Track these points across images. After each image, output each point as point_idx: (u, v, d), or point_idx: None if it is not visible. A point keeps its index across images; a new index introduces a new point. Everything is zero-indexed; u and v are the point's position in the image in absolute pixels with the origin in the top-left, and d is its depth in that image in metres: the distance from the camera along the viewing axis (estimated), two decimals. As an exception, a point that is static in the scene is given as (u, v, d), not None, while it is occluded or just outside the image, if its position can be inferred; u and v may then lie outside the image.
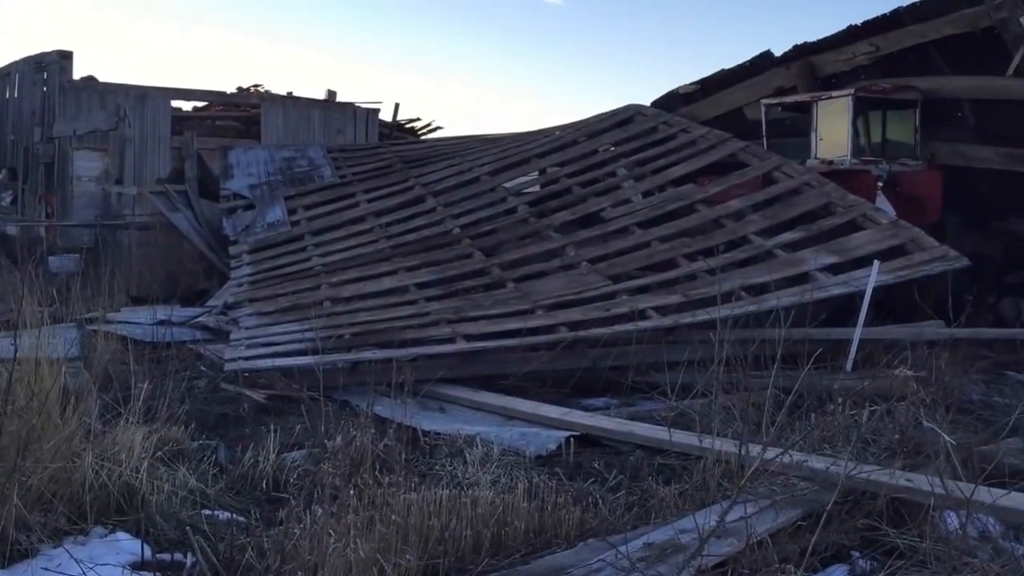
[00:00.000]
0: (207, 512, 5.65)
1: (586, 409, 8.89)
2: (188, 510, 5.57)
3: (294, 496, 5.72)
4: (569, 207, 14.60)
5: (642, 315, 10.38)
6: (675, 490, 6.01)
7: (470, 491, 5.47)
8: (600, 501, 5.77)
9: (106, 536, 5.20)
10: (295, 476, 6.34)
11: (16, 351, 5.51)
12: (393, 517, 4.73)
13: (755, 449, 5.32)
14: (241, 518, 5.69)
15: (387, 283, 12.76)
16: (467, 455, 6.86)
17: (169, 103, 24.70)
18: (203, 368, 9.91)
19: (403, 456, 6.85)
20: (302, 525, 4.93)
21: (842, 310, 10.93)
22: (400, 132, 28.61)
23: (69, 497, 5.26)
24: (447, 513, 5.07)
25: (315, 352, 9.43)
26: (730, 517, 4.85)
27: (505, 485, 5.95)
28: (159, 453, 6.08)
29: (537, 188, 16.38)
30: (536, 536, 5.23)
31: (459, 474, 6.42)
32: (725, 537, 4.73)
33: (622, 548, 4.67)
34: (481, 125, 78.37)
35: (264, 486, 6.28)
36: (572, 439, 7.39)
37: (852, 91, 14.38)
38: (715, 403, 6.78)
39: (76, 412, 5.83)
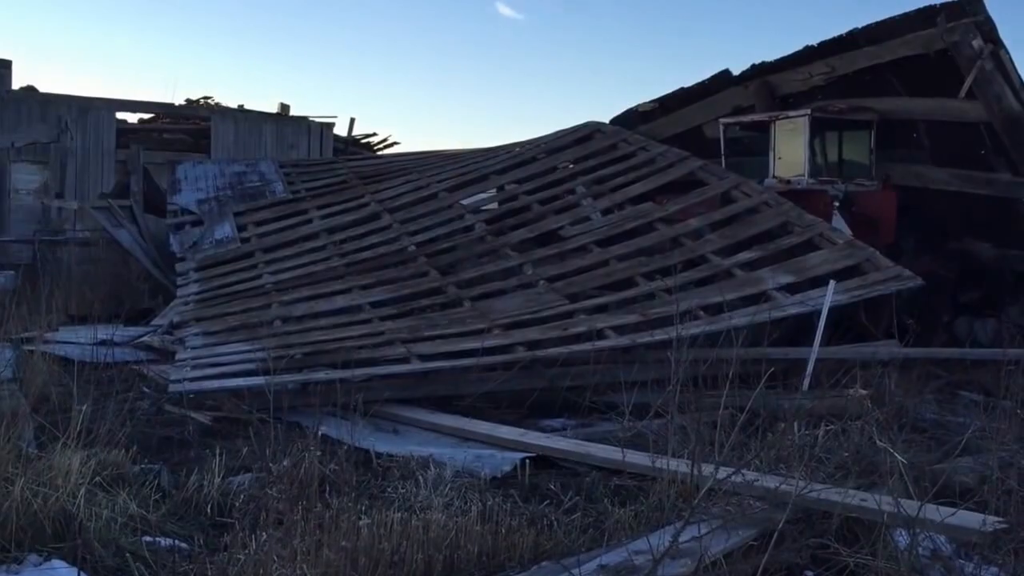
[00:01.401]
0: (148, 538, 5.56)
1: (543, 430, 8.91)
2: (128, 537, 5.48)
3: (239, 521, 5.66)
4: (527, 224, 14.63)
5: (600, 335, 10.41)
6: (631, 511, 6.03)
7: (422, 514, 5.45)
8: (555, 523, 5.76)
9: (41, 564, 5.09)
10: (240, 500, 6.26)
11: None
12: (342, 542, 4.68)
13: (708, 469, 5.35)
14: (184, 544, 5.61)
15: (340, 302, 12.69)
16: (420, 477, 6.82)
17: (114, 115, 24.31)
18: (146, 389, 9.79)
19: (353, 478, 6.81)
20: (247, 551, 4.86)
21: (798, 329, 11.06)
22: (356, 147, 28.49)
23: (0, 524, 5.15)
24: (398, 537, 5.03)
25: (264, 372, 9.37)
26: (684, 538, 4.87)
27: (459, 508, 5.93)
28: (98, 478, 5.98)
29: (495, 205, 16.40)
30: (490, 559, 5.21)
31: (411, 497, 6.37)
32: (679, 558, 4.75)
33: (576, 571, 4.66)
34: (439, 141, 78.40)
35: (208, 511, 6.20)
36: (528, 461, 7.39)
37: (808, 111, 14.63)
38: (671, 423, 6.79)
39: (9, 436, 5.72)
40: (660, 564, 4.50)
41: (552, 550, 5.35)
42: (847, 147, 15.12)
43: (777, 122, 15.06)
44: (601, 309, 11.51)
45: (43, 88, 24.31)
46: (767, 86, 16.39)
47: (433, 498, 6.30)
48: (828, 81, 15.63)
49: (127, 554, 5.15)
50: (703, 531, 4.83)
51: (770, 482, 5.96)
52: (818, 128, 14.66)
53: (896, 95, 15.05)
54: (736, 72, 17.06)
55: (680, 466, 6.32)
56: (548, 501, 6.49)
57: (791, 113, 15.03)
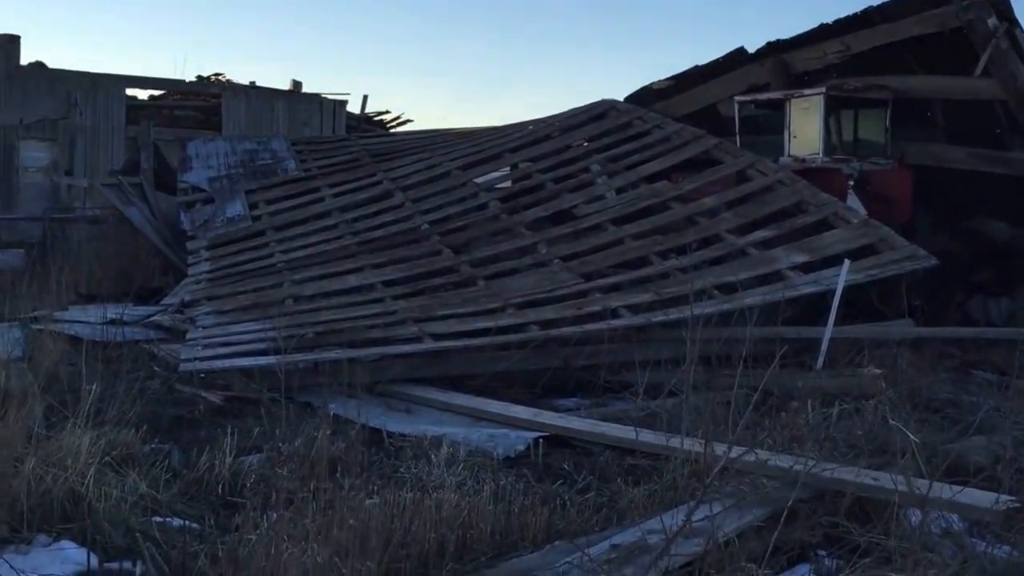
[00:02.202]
0: (158, 519, 5.55)
1: (557, 409, 8.88)
2: (138, 517, 5.47)
3: (250, 501, 5.65)
4: (541, 203, 14.57)
5: (614, 314, 10.38)
6: (644, 491, 6.00)
7: (434, 494, 5.42)
8: (568, 503, 5.73)
9: (50, 544, 5.09)
10: (252, 480, 6.25)
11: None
12: (351, 521, 4.66)
13: (721, 448, 5.33)
14: (195, 524, 5.61)
15: (352, 281, 12.68)
16: (432, 457, 6.81)
17: (124, 91, 24.27)
18: (157, 369, 9.78)
19: (365, 458, 6.80)
20: (258, 531, 4.85)
21: (812, 309, 11.00)
22: (368, 125, 28.40)
23: (9, 504, 5.14)
24: (410, 516, 5.01)
25: (276, 352, 9.38)
26: (697, 517, 4.85)
27: (471, 487, 5.91)
28: (108, 458, 5.97)
29: (509, 184, 16.35)
30: (502, 539, 5.19)
31: (424, 476, 6.36)
32: (692, 537, 4.72)
33: (588, 550, 4.64)
34: (452, 119, 78.29)
35: (220, 491, 6.19)
36: (541, 440, 7.36)
37: (823, 89, 14.52)
38: (685, 403, 6.76)
39: (19, 415, 5.72)
40: (673, 543, 4.46)
41: (565, 530, 5.33)
42: (862, 125, 15.01)
43: (792, 100, 14.96)
44: (615, 288, 11.46)
45: (52, 64, 24.28)
46: (782, 64, 16.29)
47: (446, 477, 6.29)
48: (843, 59, 15.53)
49: (137, 534, 5.14)
50: (715, 510, 4.79)
51: (783, 461, 5.93)
52: (833, 106, 14.55)
53: (911, 73, 14.94)
54: (751, 50, 16.95)
55: (693, 445, 6.28)
56: (561, 481, 6.47)
57: (806, 91, 14.92)
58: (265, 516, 5.16)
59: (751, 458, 5.46)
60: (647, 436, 6.72)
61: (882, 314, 11.33)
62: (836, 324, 10.11)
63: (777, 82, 16.23)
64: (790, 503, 4.86)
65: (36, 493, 5.27)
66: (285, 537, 4.71)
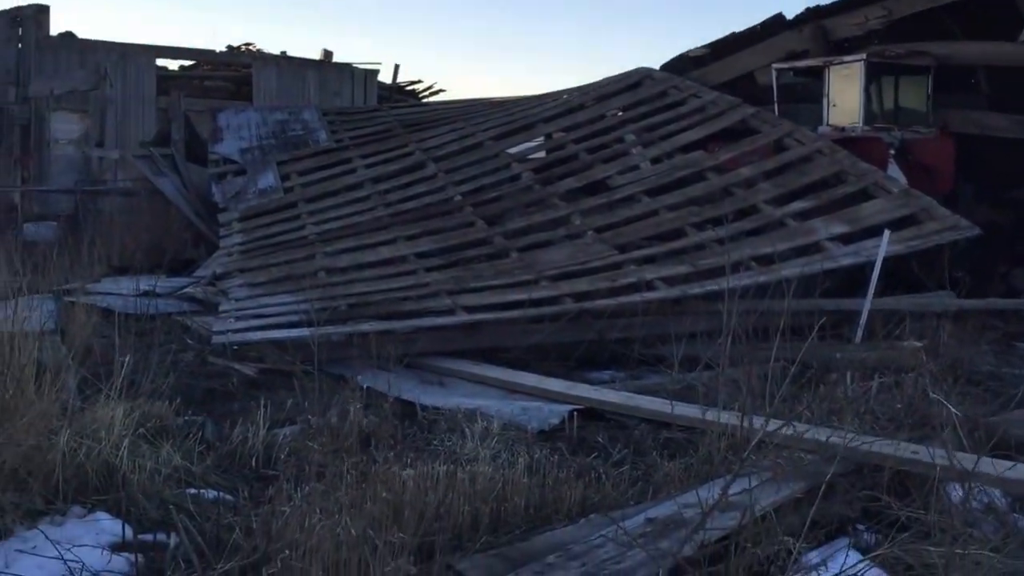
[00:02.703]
0: (192, 490, 5.60)
1: (591, 382, 8.86)
2: (172, 489, 5.52)
3: (283, 474, 5.69)
4: (575, 174, 14.51)
5: (649, 286, 10.33)
6: (680, 464, 5.99)
7: (468, 467, 5.43)
8: (603, 476, 5.72)
9: (85, 516, 5.13)
10: (286, 453, 6.30)
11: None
12: (383, 494, 4.68)
13: (759, 421, 5.30)
14: (228, 497, 5.65)
15: (385, 252, 12.70)
16: (466, 430, 6.82)
17: (154, 62, 24.35)
18: (190, 341, 9.87)
19: (398, 431, 6.83)
20: (291, 503, 4.88)
21: (850, 281, 10.90)
22: (400, 95, 28.38)
23: (44, 476, 5.20)
24: (443, 489, 5.03)
25: (308, 324, 9.42)
26: (733, 490, 4.83)
27: (506, 460, 5.92)
28: (141, 430, 6.03)
29: (542, 154, 16.30)
30: (536, 512, 5.18)
31: (457, 449, 6.38)
32: (728, 511, 4.69)
33: (623, 524, 4.64)
34: (484, 89, 77.97)
35: (253, 463, 6.23)
36: (576, 413, 7.35)
37: (864, 56, 14.32)
38: (721, 376, 6.73)
39: (52, 387, 5.78)
40: (709, 516, 4.45)
41: (600, 503, 5.32)
42: (903, 93, 14.82)
43: (831, 67, 14.77)
44: (650, 260, 11.41)
45: (81, 34, 24.38)
46: (821, 30, 16.09)
47: (480, 451, 6.31)
48: (885, 25, 15.31)
49: (170, 506, 5.20)
50: (753, 484, 4.77)
51: (821, 434, 5.89)
52: (874, 73, 14.37)
53: (954, 39, 14.69)
54: (790, 16, 16.75)
55: (730, 419, 6.26)
56: (596, 454, 6.46)
57: (846, 58, 14.74)
58: (299, 489, 5.18)
59: (788, 431, 5.41)
60: (683, 409, 6.69)
61: (922, 286, 11.23)
62: (876, 296, 10.02)
63: (816, 49, 16.04)
64: (828, 477, 4.82)
65: (71, 465, 5.32)
66: (318, 510, 4.73)
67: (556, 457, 6.14)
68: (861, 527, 5.12)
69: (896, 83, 14.79)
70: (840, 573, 4.14)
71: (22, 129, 22.53)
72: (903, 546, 4.38)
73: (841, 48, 15.83)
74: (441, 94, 29.08)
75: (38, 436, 5.21)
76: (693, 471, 5.83)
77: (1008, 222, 13.29)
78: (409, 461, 5.70)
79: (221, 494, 5.64)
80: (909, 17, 15.07)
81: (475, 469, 5.34)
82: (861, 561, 4.26)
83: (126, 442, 5.59)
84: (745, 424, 5.69)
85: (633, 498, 5.50)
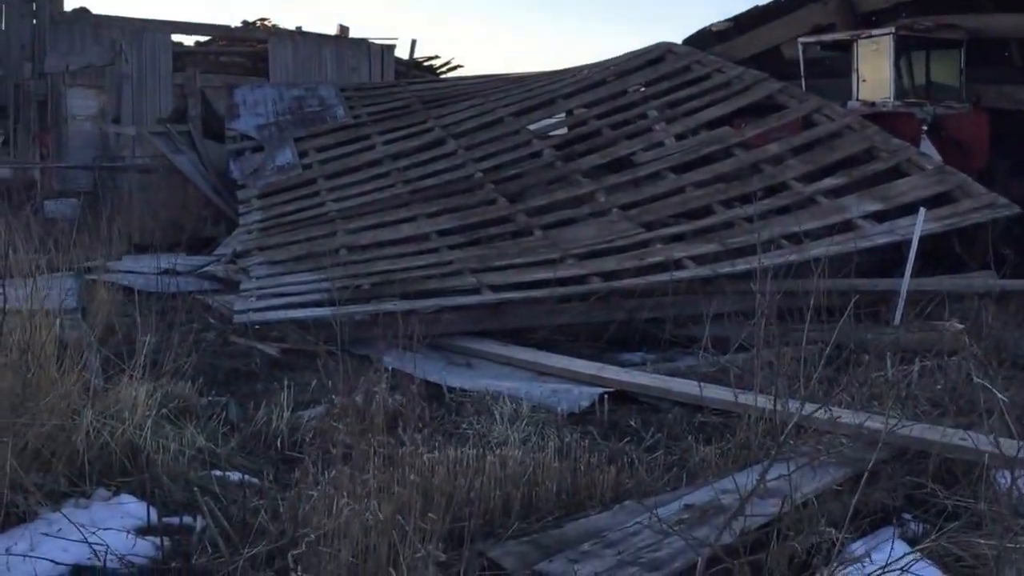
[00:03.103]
0: (217, 472, 5.55)
1: (622, 364, 8.77)
2: (196, 470, 5.47)
3: (309, 456, 5.62)
4: (598, 151, 14.34)
5: (678, 265, 10.21)
6: (716, 449, 5.89)
7: (498, 450, 5.34)
8: (637, 461, 5.63)
9: (109, 499, 5.10)
10: (311, 435, 6.23)
11: (5, 301, 5.39)
12: (412, 477, 4.60)
13: (796, 405, 5.19)
14: (254, 479, 5.60)
15: (406, 230, 12.61)
16: (495, 412, 6.74)
17: (169, 37, 24.29)
18: (211, 320, 9.81)
19: (426, 413, 6.75)
20: (318, 486, 4.81)
21: (882, 261, 10.74)
22: (417, 71, 28.24)
23: (68, 457, 5.16)
24: (473, 473, 4.95)
25: (331, 303, 9.36)
26: (772, 476, 4.73)
27: (536, 444, 5.83)
28: (164, 410, 5.99)
29: (564, 131, 16.15)
30: (569, 498, 5.11)
31: (487, 432, 6.30)
32: (768, 498, 4.59)
33: (659, 511, 4.55)
34: (501, 65, 77.50)
35: (278, 445, 6.18)
36: (607, 396, 7.24)
37: (893, 29, 14.07)
38: (757, 358, 6.62)
39: (75, 367, 5.73)
40: (748, 503, 4.35)
41: (634, 489, 5.24)
42: (935, 67, 14.53)
43: (860, 41, 14.50)
44: (678, 238, 11.28)
45: (96, 9, 24.36)
46: (848, 3, 15.86)
47: (509, 434, 6.23)
48: (913, -3, 15.04)
49: (195, 488, 5.14)
50: (792, 470, 4.66)
51: (862, 419, 5.78)
52: (904, 47, 14.11)
53: (987, 11, 14.42)
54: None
55: (766, 402, 6.15)
56: (628, 438, 6.37)
57: (875, 32, 14.48)
58: (325, 472, 5.11)
59: (826, 415, 5.28)
60: (718, 392, 6.59)
61: (962, 265, 11.06)
62: (913, 276, 9.86)
63: (843, 22, 15.80)
64: (872, 463, 4.71)
65: (95, 446, 5.27)
66: (345, 494, 4.66)
67: (587, 441, 6.04)
68: (907, 516, 5.01)
69: (927, 57, 14.52)
70: (886, 565, 4.02)
71: (39, 105, 22.52)
72: (953, 536, 4.27)
73: (869, 21, 15.58)
74: (458, 70, 28.96)
75: (61, 416, 5.15)
76: (730, 456, 5.73)
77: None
78: (437, 444, 5.62)
79: (246, 477, 5.59)
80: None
81: (505, 453, 5.24)
82: (908, 553, 4.16)
83: (149, 422, 5.53)
84: (781, 408, 5.57)
85: (668, 484, 5.42)
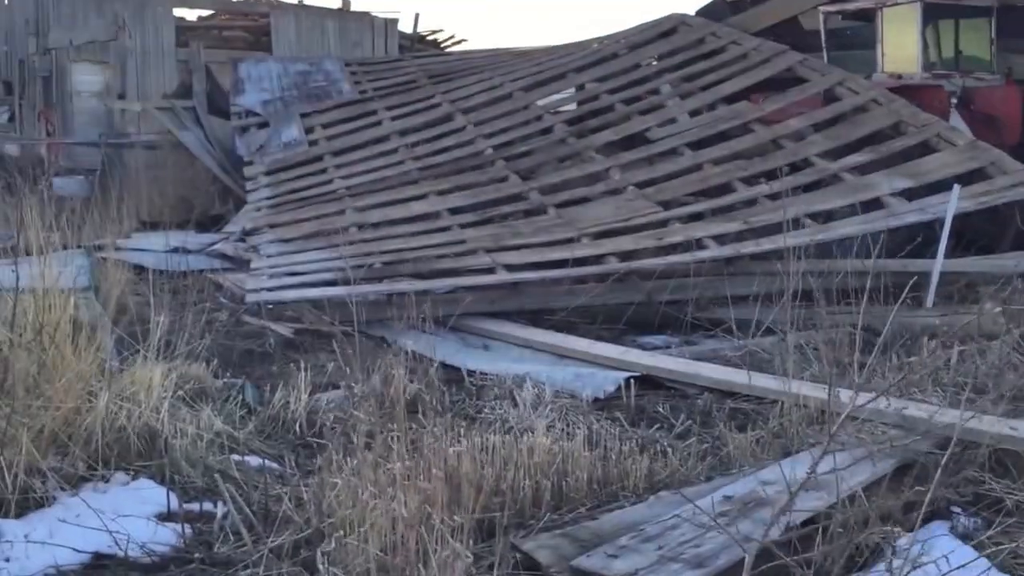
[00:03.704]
0: (236, 457, 5.44)
1: (643, 347, 8.62)
2: (215, 455, 5.36)
3: (331, 442, 5.50)
4: (611, 126, 14.14)
5: (699, 245, 10.06)
6: (750, 437, 5.76)
7: (525, 437, 5.19)
8: (670, 450, 5.48)
9: (128, 483, 5.00)
10: (331, 419, 6.12)
11: (18, 278, 5.27)
12: (435, 471, 4.46)
13: (843, 393, 5.06)
14: (274, 464, 5.49)
15: (417, 208, 12.46)
16: (517, 397, 6.61)
17: (171, 11, 24.16)
18: (223, 300, 9.69)
19: (447, 398, 6.63)
20: (342, 474, 4.68)
21: (909, 239, 10.53)
22: (421, 45, 28.05)
23: (85, 440, 5.04)
24: (502, 462, 4.81)
25: (345, 282, 9.24)
26: (820, 468, 4.60)
27: (562, 431, 5.70)
28: (180, 392, 5.87)
29: (574, 106, 15.93)
30: (600, 488, 4.98)
31: (511, 418, 6.17)
32: (814, 490, 4.45)
33: (699, 502, 4.42)
34: (504, 40, 76.87)
35: (297, 429, 6.06)
36: (633, 380, 7.09)
37: None
38: (789, 342, 6.48)
39: (90, 347, 5.62)
40: (796, 496, 4.21)
41: (668, 479, 5.10)
42: (964, 37, 14.17)
43: (885, 9, 14.18)
44: (697, 217, 11.11)
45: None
46: (873, -31, 15.48)
47: (534, 419, 6.10)
48: (944, -39, 14.68)
49: (216, 475, 5.03)
50: (844, 461, 4.52)
51: (915, 409, 5.61)
52: (932, 16, 13.78)
53: None
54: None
55: (805, 388, 6.02)
56: (658, 425, 6.23)
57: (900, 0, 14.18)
58: (347, 459, 4.99)
59: (887, 406, 5.13)
60: (757, 378, 6.44)
61: (988, 245, 10.89)
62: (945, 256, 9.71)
63: (868, -11, 15.45)
64: (922, 456, 4.58)
65: (112, 429, 5.16)
66: (369, 484, 4.54)
67: (616, 428, 5.90)
68: (959, 511, 4.86)
69: (956, 26, 14.19)
70: (942, 562, 3.89)
71: (44, 81, 22.35)
72: (1011, 532, 4.14)
73: (896, -13, 15.22)
74: (463, 44, 28.78)
75: (77, 399, 5.03)
76: (766, 445, 5.59)
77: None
78: (462, 432, 5.47)
79: (266, 462, 5.48)
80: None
81: (533, 440, 5.10)
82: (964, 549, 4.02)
83: (166, 405, 5.41)
84: (826, 395, 5.44)
85: (703, 473, 5.28)
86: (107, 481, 4.99)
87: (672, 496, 4.77)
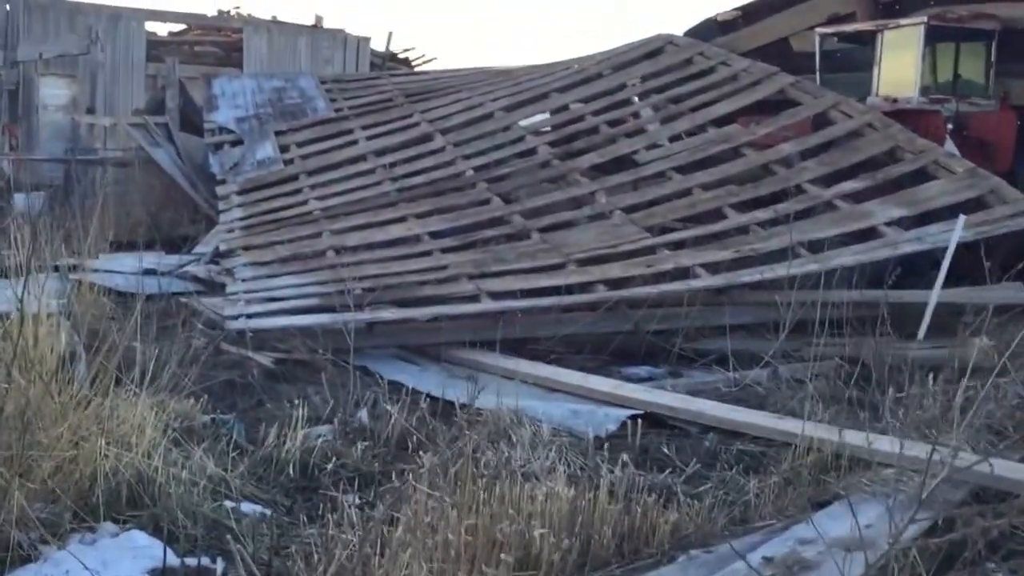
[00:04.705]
0: (230, 503, 5.20)
1: (629, 378, 8.50)
2: (209, 501, 5.11)
3: (330, 488, 5.29)
4: (597, 149, 13.99)
5: (690, 273, 9.93)
6: (764, 483, 5.57)
7: (544, 487, 4.93)
8: (691, 501, 5.22)
9: (118, 534, 4.74)
10: (325, 458, 5.91)
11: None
12: (451, 537, 4.22)
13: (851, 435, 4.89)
14: (270, 511, 5.26)
15: (396, 231, 12.26)
16: (514, 435, 6.41)
17: (143, 26, 23.89)
18: (200, 326, 9.40)
19: (443, 436, 6.42)
20: (355, 531, 4.44)
21: (903, 270, 10.44)
22: (393, 63, 27.93)
23: (76, 489, 4.78)
24: (523, 517, 4.56)
25: (325, 308, 9.03)
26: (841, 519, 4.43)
27: (582, 476, 5.47)
28: (170, 431, 5.62)
29: (555, 126, 15.74)
30: (623, 543, 4.75)
31: (513, 459, 5.95)
32: (854, 550, 4.24)
33: (736, 565, 4.21)
34: (478, 58, 76.60)
35: (291, 471, 5.83)
36: (637, 419, 6.85)
37: (925, 19, 13.63)
38: (787, 378, 6.31)
39: (68, 381, 5.36)
40: (833, 555, 4.05)
41: (694, 534, 4.88)
42: (963, 61, 14.05)
43: (886, 32, 14.06)
44: (687, 244, 10.98)
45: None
46: (872, -10, 15.45)
47: (536, 462, 5.90)
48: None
49: (214, 524, 4.80)
50: (872, 513, 4.36)
51: (919, 450, 5.44)
52: (934, 38, 13.65)
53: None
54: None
55: (819, 431, 5.87)
56: (669, 469, 6.01)
57: (903, 21, 14.03)
58: (353, 510, 4.78)
59: (897, 448, 4.96)
60: (761, 417, 6.29)
61: (976, 276, 10.81)
62: (926, 288, 9.65)
63: (864, 11, 15.37)
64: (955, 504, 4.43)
65: (101, 475, 4.89)
66: (380, 543, 4.32)
67: (636, 475, 5.65)
68: (992, 565, 4.71)
69: (956, 50, 14.07)
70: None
71: (10, 94, 21.93)
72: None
73: (890, 11, 15.16)
74: (434, 62, 28.71)
75: (68, 446, 4.77)
76: (784, 495, 5.40)
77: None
78: (484, 484, 5.17)
79: (263, 509, 5.24)
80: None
81: (553, 490, 4.85)
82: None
83: (160, 449, 5.16)
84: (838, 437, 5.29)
85: (726, 528, 5.06)
86: (95, 531, 4.73)
87: (705, 555, 4.58)
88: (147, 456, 5.11)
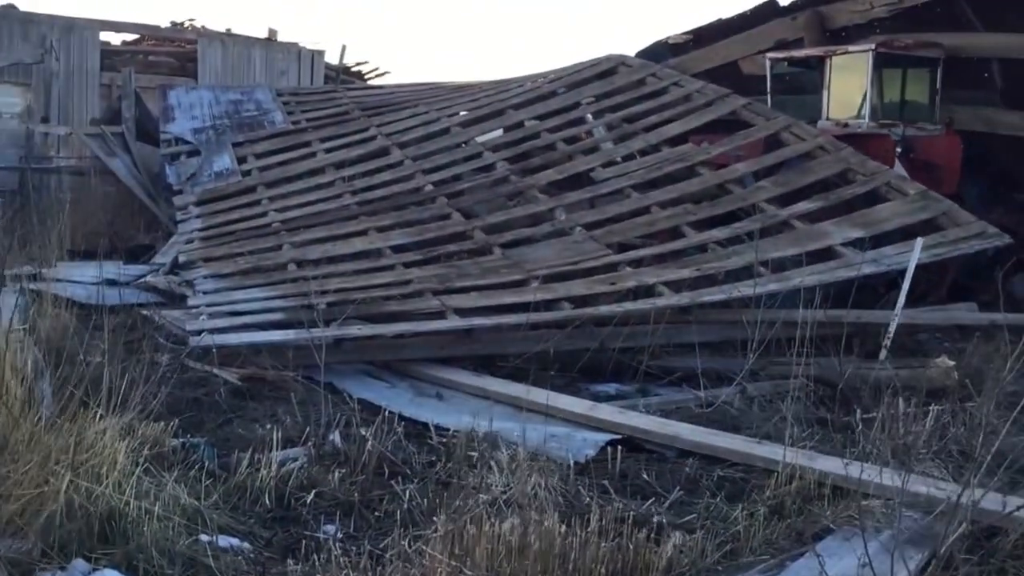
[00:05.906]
0: (205, 537, 4.84)
1: (596, 395, 8.26)
2: (184, 536, 4.74)
3: (310, 517, 4.96)
4: (554, 165, 13.77)
5: (652, 291, 9.73)
6: (752, 512, 5.33)
7: (532, 519, 4.65)
8: (680, 534, 4.94)
9: (90, 574, 4.37)
10: (301, 486, 5.57)
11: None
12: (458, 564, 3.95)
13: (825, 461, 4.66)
14: (246, 545, 4.91)
15: (358, 244, 11.94)
16: (492, 462, 6.11)
17: (98, 35, 23.23)
18: (162, 340, 8.98)
19: (417, 461, 6.12)
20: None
21: (857, 291, 10.34)
22: (347, 76, 27.52)
23: (44, 525, 4.40)
24: (515, 554, 4.28)
25: (291, 324, 8.70)
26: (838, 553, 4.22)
27: (557, 504, 5.21)
28: (140, 458, 5.24)
29: (511, 142, 15.49)
30: (616, 579, 4.47)
31: (493, 484, 5.66)
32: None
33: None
34: (429, 72, 76.07)
35: (267, 499, 5.47)
36: (617, 444, 6.55)
37: (873, 46, 13.67)
38: (783, 403, 6.13)
39: (31, 404, 4.98)
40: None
41: (688, 572, 4.61)
42: (910, 87, 14.12)
43: (834, 58, 14.10)
44: (648, 261, 10.76)
45: (23, 6, 23.21)
46: (818, 17, 15.44)
47: (516, 487, 5.62)
48: (892, 13, 14.63)
49: (188, 559, 4.45)
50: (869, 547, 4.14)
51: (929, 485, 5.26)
52: (882, 65, 13.70)
53: (969, 29, 14.08)
54: (784, 2, 16.08)
55: (801, 459, 5.66)
56: (652, 499, 5.72)
57: (852, 48, 14.08)
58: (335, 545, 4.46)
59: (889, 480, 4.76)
60: (738, 443, 6.07)
61: (926, 294, 10.77)
62: (881, 307, 9.55)
63: (811, 38, 15.39)
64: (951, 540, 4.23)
65: (70, 510, 4.51)
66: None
67: (609, 502, 5.41)
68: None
69: (903, 76, 14.13)
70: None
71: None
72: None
73: (837, 37, 15.19)
74: (386, 76, 28.36)
75: (36, 481, 4.39)
76: (772, 526, 5.16)
77: (1017, 226, 12.64)
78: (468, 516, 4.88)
79: (240, 543, 4.89)
80: (920, 5, 14.37)
81: (546, 525, 4.56)
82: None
83: (133, 480, 4.79)
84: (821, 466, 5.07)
85: (720, 563, 4.81)
86: (65, 570, 4.35)
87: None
88: (118, 488, 4.73)
